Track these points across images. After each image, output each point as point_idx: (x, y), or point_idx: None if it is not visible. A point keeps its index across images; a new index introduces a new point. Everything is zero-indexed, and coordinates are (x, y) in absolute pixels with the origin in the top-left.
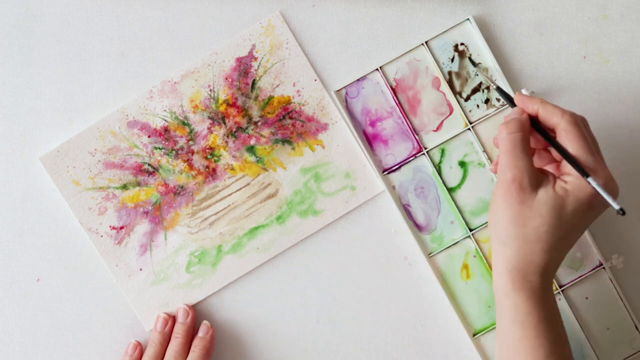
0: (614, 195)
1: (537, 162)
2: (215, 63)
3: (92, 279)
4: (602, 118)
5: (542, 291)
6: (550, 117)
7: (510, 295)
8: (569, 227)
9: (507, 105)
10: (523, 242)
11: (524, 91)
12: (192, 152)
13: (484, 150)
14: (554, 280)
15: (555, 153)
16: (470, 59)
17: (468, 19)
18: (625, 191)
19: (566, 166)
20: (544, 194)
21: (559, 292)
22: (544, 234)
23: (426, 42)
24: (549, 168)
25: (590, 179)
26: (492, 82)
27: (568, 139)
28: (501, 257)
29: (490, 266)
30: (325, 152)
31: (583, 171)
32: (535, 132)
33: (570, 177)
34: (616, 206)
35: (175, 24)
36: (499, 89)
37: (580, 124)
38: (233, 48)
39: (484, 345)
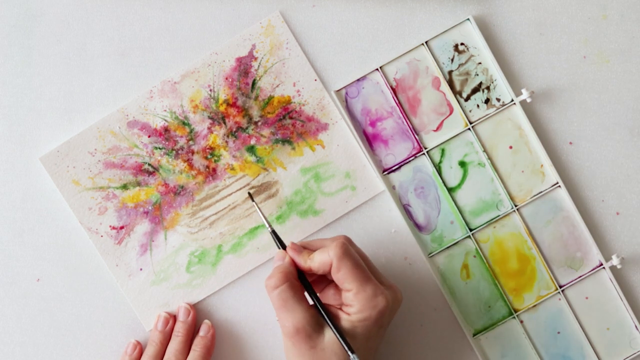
0: (397, 304)
1: (332, 291)
2: (216, 63)
3: (92, 279)
4: (602, 118)
5: None
6: (324, 263)
7: None
8: (365, 350)
9: (508, 105)
10: None
11: (524, 91)
12: (192, 152)
13: (484, 150)
14: (553, 281)
15: (338, 280)
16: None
17: (468, 19)
18: (625, 191)
19: (346, 297)
20: (332, 334)
21: (559, 292)
22: None
23: (426, 42)
24: (335, 294)
25: (354, 356)
26: (269, 225)
27: (341, 274)
28: None
29: (490, 266)
30: (326, 152)
31: (348, 346)
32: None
33: (353, 309)
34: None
35: (175, 24)
36: (273, 233)
37: (349, 253)
38: (233, 48)
39: (484, 345)
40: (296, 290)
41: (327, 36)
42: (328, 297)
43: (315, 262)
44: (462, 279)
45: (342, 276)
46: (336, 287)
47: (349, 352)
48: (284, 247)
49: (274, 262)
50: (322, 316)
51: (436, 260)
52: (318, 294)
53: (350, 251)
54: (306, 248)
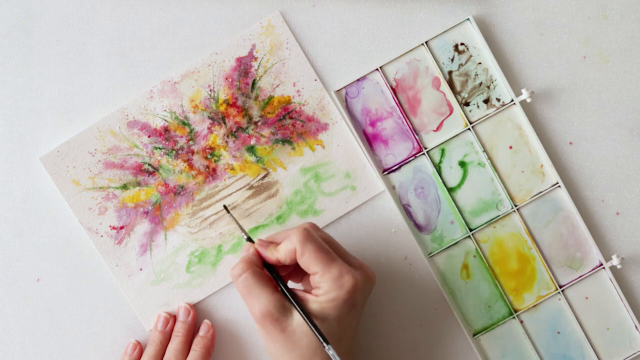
0: (370, 283)
1: (307, 280)
2: (216, 63)
3: (92, 279)
4: (602, 118)
5: None
6: (289, 251)
7: None
8: (339, 331)
9: (508, 105)
10: None
11: (524, 91)
12: (192, 152)
13: (484, 150)
14: (553, 281)
15: (303, 265)
16: (225, 207)
17: (468, 19)
18: (625, 191)
19: (314, 279)
20: (300, 316)
21: (559, 292)
22: (317, 347)
23: (426, 42)
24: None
25: (329, 347)
26: (243, 230)
27: (305, 258)
28: None
29: (490, 266)
30: (326, 152)
31: (322, 338)
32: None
33: (321, 290)
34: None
35: (175, 24)
36: (240, 228)
37: (311, 237)
38: (233, 48)
39: (484, 345)
40: (260, 277)
41: (327, 36)
42: (306, 284)
43: (281, 252)
44: (462, 279)
45: (307, 260)
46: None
47: (320, 339)
48: (252, 242)
49: (241, 254)
50: (288, 300)
51: (436, 260)
52: (297, 284)
53: (312, 235)
54: (273, 242)
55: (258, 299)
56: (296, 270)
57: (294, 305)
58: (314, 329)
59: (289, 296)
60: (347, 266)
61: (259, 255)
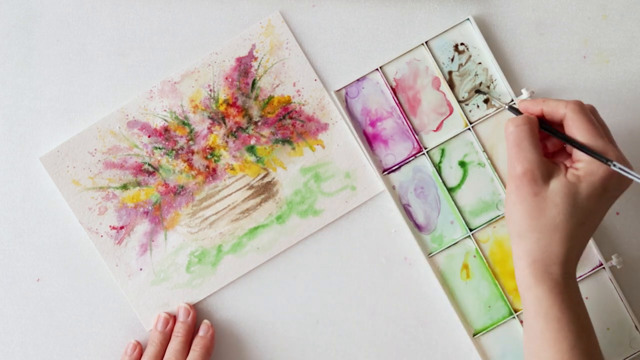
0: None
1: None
2: (216, 63)
3: (92, 279)
4: (603, 118)
5: (564, 282)
6: (555, 111)
7: (533, 289)
8: (585, 213)
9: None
10: (541, 234)
11: (524, 91)
12: (192, 152)
13: (484, 150)
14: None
15: (567, 148)
16: (479, 90)
17: (468, 19)
18: (625, 191)
19: (576, 154)
20: (557, 183)
21: None
22: (560, 222)
23: (426, 42)
24: (562, 158)
25: (614, 163)
26: (503, 104)
27: (575, 127)
28: (520, 251)
29: (490, 266)
30: (325, 152)
31: (601, 157)
32: (545, 133)
33: (581, 164)
34: None
35: (175, 24)
36: (511, 108)
37: (585, 110)
38: (233, 48)
39: (484, 345)
40: (534, 135)
41: (327, 36)
42: (558, 157)
43: (549, 105)
44: (462, 279)
45: (575, 127)
46: (568, 155)
47: (603, 161)
48: (517, 110)
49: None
50: (568, 142)
51: (436, 260)
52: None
53: (585, 109)
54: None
55: (525, 154)
56: (550, 141)
57: (576, 145)
58: (594, 155)
59: (571, 141)
60: (613, 147)
61: (536, 120)
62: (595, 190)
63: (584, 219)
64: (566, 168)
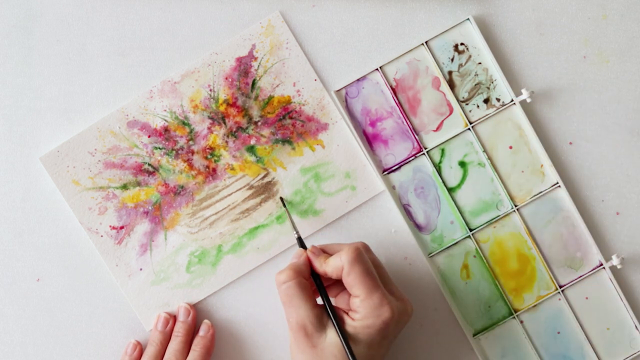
0: (406, 316)
1: (334, 290)
2: (216, 63)
3: (92, 279)
4: (602, 118)
5: None
6: (337, 269)
7: None
8: (366, 357)
9: (507, 105)
10: None
11: (524, 91)
12: (192, 152)
13: (484, 150)
14: (553, 281)
15: (347, 285)
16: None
17: (468, 19)
18: (625, 191)
19: (353, 302)
20: (334, 335)
21: (558, 292)
22: None
23: (426, 42)
24: (343, 296)
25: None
26: (297, 231)
27: (352, 282)
28: None
29: (490, 266)
30: (325, 152)
31: (351, 352)
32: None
33: (358, 315)
34: None
35: (175, 24)
36: (299, 238)
37: (361, 260)
38: (233, 48)
39: (484, 345)
40: (304, 288)
41: (327, 36)
42: (340, 301)
43: (329, 266)
44: (462, 279)
45: (352, 281)
46: (348, 292)
47: (350, 358)
48: (305, 248)
49: (291, 259)
50: (328, 316)
51: (436, 260)
52: (331, 298)
53: (362, 257)
54: (325, 252)
55: (297, 310)
56: (336, 284)
57: (334, 325)
58: (348, 352)
59: (330, 314)
60: (388, 296)
61: (308, 265)
62: (374, 340)
63: None
64: (344, 316)
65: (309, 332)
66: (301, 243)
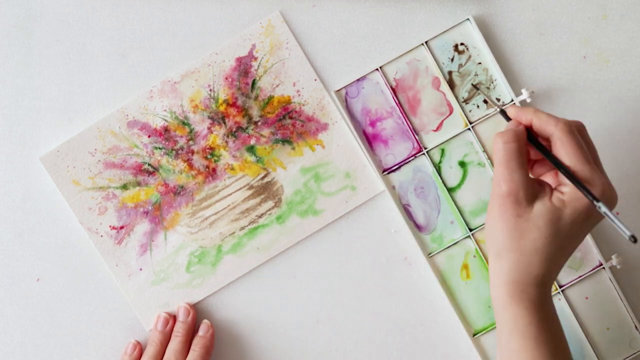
0: (612, 203)
1: (537, 170)
2: (215, 63)
3: (92, 279)
4: (602, 118)
5: (540, 302)
6: (545, 127)
7: (509, 307)
8: (566, 238)
9: (508, 105)
10: (520, 255)
11: (524, 91)
12: (192, 152)
13: (484, 150)
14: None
15: (558, 152)
16: (472, 84)
17: (468, 19)
18: (625, 191)
19: (563, 176)
20: (541, 207)
21: (559, 292)
22: (541, 246)
23: (426, 42)
24: (548, 177)
25: (600, 204)
26: (497, 105)
27: (562, 149)
28: (498, 270)
29: None
30: (325, 152)
31: (587, 193)
32: (532, 144)
33: (566, 188)
34: (627, 233)
35: (175, 24)
36: (502, 112)
37: (574, 132)
38: (233, 48)
39: (484, 345)
40: (522, 154)
41: (327, 36)
42: (543, 173)
43: (539, 118)
44: (462, 279)
45: (562, 149)
46: (554, 173)
47: (593, 201)
48: (506, 114)
49: (507, 126)
50: (556, 168)
51: (436, 260)
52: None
53: (574, 131)
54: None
55: (512, 174)
56: (540, 163)
57: (563, 171)
58: (582, 189)
59: (557, 163)
60: (599, 174)
61: (525, 134)
62: (579, 217)
63: (565, 244)
64: (551, 190)
65: (519, 199)
66: (506, 117)
